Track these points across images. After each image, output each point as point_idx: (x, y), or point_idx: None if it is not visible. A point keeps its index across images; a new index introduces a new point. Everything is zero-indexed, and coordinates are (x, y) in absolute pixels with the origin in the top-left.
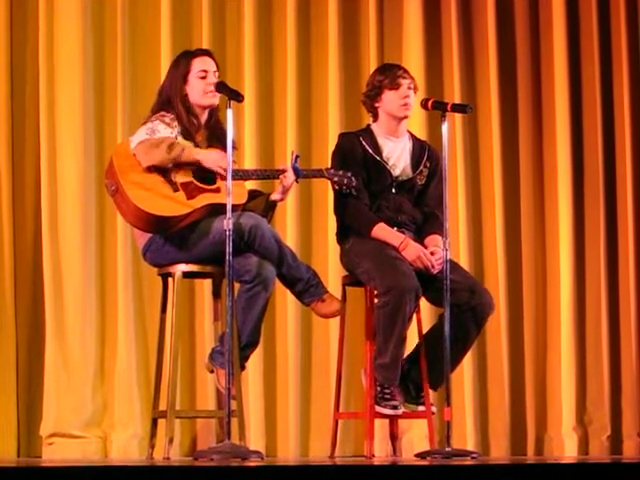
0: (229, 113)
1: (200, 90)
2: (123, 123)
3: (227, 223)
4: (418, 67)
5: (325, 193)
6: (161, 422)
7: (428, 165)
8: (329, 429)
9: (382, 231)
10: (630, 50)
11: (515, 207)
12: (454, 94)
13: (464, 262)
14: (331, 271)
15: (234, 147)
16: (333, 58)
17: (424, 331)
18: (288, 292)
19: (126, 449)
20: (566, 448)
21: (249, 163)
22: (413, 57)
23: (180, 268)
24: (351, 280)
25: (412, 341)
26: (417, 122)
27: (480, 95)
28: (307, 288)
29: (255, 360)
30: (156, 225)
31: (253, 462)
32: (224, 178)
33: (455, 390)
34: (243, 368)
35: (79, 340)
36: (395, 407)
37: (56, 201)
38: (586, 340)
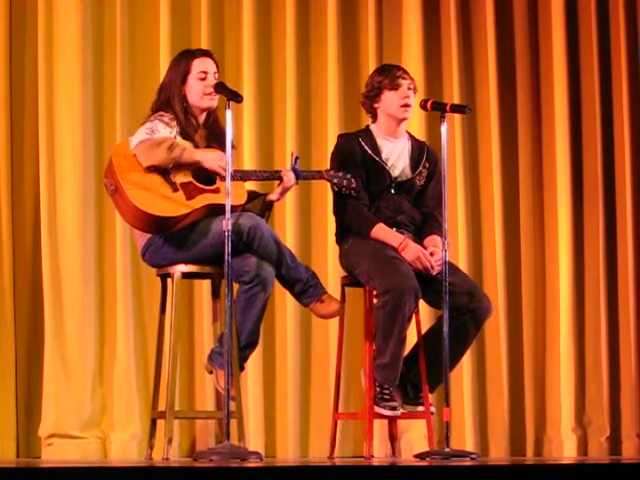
0: (228, 114)
1: (199, 92)
2: (122, 123)
3: (226, 224)
4: (417, 68)
5: (324, 194)
6: (160, 423)
7: (427, 166)
8: (328, 430)
9: (381, 232)
10: (629, 51)
11: (514, 208)
12: (453, 95)
13: (463, 263)
14: (330, 272)
15: (233, 146)
16: (332, 58)
17: (423, 332)
18: (287, 293)
19: (125, 450)
20: (565, 449)
21: (248, 164)
22: (412, 58)
23: (179, 269)
24: (350, 281)
25: (411, 341)
26: (416, 123)
27: (479, 96)
28: (306, 289)
29: (254, 361)
30: (155, 225)
31: (252, 463)
32: (224, 179)
33: (454, 391)
34: (242, 369)
35: (78, 341)
36: (394, 408)
37: (55, 201)
38: (585, 341)
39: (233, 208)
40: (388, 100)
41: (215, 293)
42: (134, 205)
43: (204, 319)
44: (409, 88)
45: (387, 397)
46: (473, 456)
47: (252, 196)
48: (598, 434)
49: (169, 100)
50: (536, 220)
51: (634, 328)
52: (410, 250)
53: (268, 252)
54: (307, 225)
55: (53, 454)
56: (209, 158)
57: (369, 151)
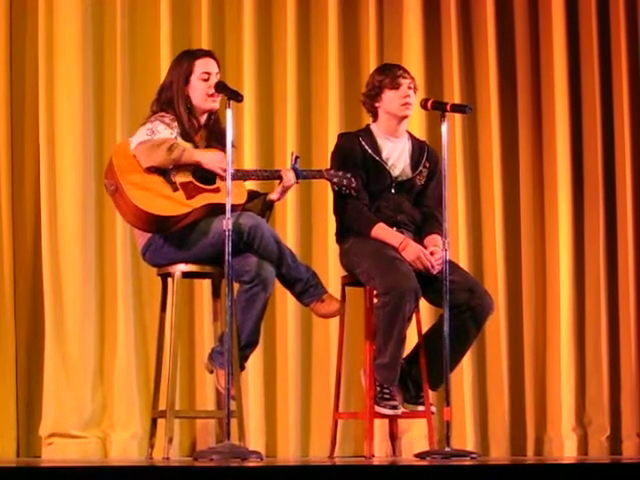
0: (228, 113)
1: (202, 93)
2: (122, 123)
3: (226, 223)
4: (418, 67)
5: (325, 193)
6: (160, 422)
7: (427, 165)
8: (329, 429)
9: (382, 231)
10: (630, 51)
11: (515, 207)
12: (454, 94)
13: (463, 262)
14: (331, 271)
15: (233, 145)
16: (333, 58)
17: (423, 331)
18: (288, 292)
19: (125, 449)
20: (565, 448)
21: (249, 163)
22: (413, 57)
23: (179, 268)
24: (351, 280)
25: (412, 341)
26: (416, 122)
27: (480, 95)
28: (306, 288)
29: (255, 360)
30: (155, 225)
31: (252, 462)
32: (224, 178)
33: (455, 390)
34: (243, 368)
35: (78, 340)
36: (394, 407)
37: (55, 201)
38: (585, 340)
39: (233, 207)
40: (389, 99)
41: (215, 293)
42: (134, 205)
43: (204, 319)
44: (409, 87)
45: (387, 396)
46: (473, 455)
47: (252, 196)
48: (598, 433)
49: (172, 101)
50: (536, 219)
51: (634, 327)
52: (410, 250)
53: (269, 252)
54: (308, 225)
55: (53, 453)
56: (209, 159)
57: (369, 150)
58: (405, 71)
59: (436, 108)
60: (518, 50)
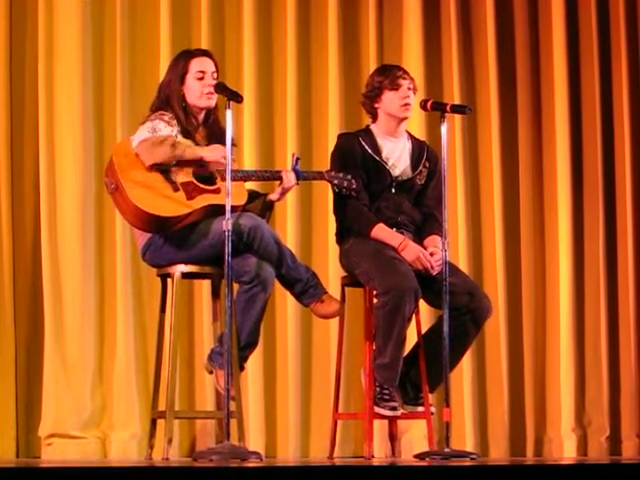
0: (228, 114)
1: (197, 91)
2: (122, 122)
3: (226, 224)
4: (417, 68)
5: (325, 194)
6: (160, 423)
7: (427, 165)
8: (329, 430)
9: (381, 232)
10: (629, 50)
11: (514, 208)
12: (453, 95)
13: (463, 263)
14: (331, 272)
15: (233, 144)
16: (333, 59)
17: (423, 332)
18: (288, 293)
19: (125, 449)
20: (565, 449)
21: (249, 164)
22: (413, 58)
23: (179, 269)
24: (350, 281)
25: (411, 341)
26: (416, 123)
27: (479, 96)
28: (306, 289)
29: (255, 361)
30: (155, 225)
31: (252, 463)
32: (224, 178)
33: (454, 391)
34: (242, 369)
35: (78, 340)
36: (394, 408)
37: (55, 200)
38: (585, 341)
39: (233, 208)
40: (388, 100)
41: (215, 293)
42: (134, 204)
43: (204, 319)
44: (409, 88)
45: (387, 397)
46: (473, 456)
47: (253, 196)
48: (598, 434)
49: (168, 99)
50: (536, 220)
51: (634, 328)
52: (410, 250)
53: (268, 252)
54: (308, 225)
55: (53, 454)
56: (212, 151)
57: (369, 151)
58: (405, 72)
59: (436, 109)
60: (518, 50)
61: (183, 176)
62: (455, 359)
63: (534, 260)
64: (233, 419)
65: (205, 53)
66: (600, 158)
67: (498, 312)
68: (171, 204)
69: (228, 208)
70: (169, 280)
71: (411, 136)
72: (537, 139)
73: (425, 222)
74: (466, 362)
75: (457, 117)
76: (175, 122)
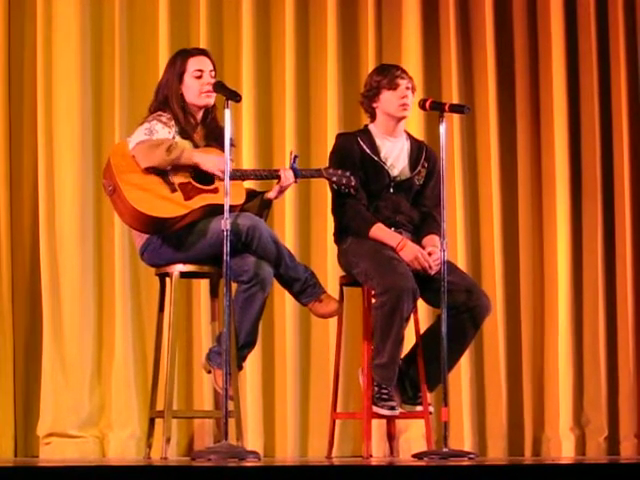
0: (227, 113)
1: (195, 90)
2: (121, 123)
3: (225, 223)
4: (416, 67)
5: (324, 193)
6: (158, 422)
7: (426, 165)
8: (327, 429)
9: (380, 231)
10: (628, 50)
11: (513, 208)
12: (452, 94)
13: (461, 262)
14: (329, 271)
15: (232, 144)
16: (332, 58)
17: (422, 331)
18: (286, 292)
19: (123, 449)
20: (563, 449)
21: (247, 163)
22: (411, 57)
23: (178, 268)
24: (349, 280)
25: (410, 341)
26: (415, 122)
27: (478, 96)
28: (305, 288)
29: (254, 360)
30: (153, 226)
31: (250, 462)
32: (223, 179)
33: (452, 390)
34: (240, 368)
35: (76, 340)
36: (392, 407)
37: (53, 201)
38: (583, 341)
39: (232, 208)
40: (387, 100)
41: (213, 293)
42: (132, 206)
43: (202, 319)
44: (407, 88)
45: (385, 397)
46: (471, 456)
47: (251, 195)
48: (596, 434)
49: (167, 99)
50: (534, 220)
51: (632, 328)
52: (408, 250)
53: (267, 252)
54: (306, 225)
55: (51, 453)
56: (208, 160)
57: (368, 150)
58: (403, 72)
59: (434, 108)
60: (517, 51)
61: (181, 177)
62: (454, 359)
63: (532, 260)
64: (231, 419)
65: (202, 52)
66: (598, 158)
67: (496, 312)
68: (169, 205)
69: (226, 208)
70: (167, 279)
71: (410, 136)
72: (536, 139)
73: (423, 222)
74: (464, 362)
75: (456, 117)
76: (173, 123)
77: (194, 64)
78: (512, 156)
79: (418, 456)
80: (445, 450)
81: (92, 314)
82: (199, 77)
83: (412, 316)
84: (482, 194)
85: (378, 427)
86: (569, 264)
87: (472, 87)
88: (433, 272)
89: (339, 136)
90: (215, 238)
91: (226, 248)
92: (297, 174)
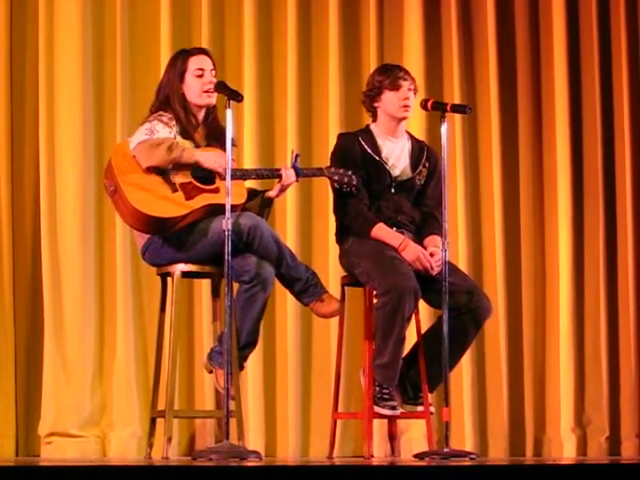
0: (228, 113)
1: (197, 89)
2: (122, 123)
3: (226, 223)
4: (418, 67)
5: (325, 193)
6: (160, 422)
7: (427, 165)
8: (328, 429)
9: (381, 231)
10: (630, 49)
11: (514, 208)
12: (454, 95)
13: (463, 263)
14: (331, 271)
15: (233, 144)
16: (333, 57)
17: (423, 331)
18: (288, 292)
19: (124, 448)
20: (565, 449)
21: (249, 162)
22: (413, 57)
23: (179, 268)
24: (350, 280)
25: (411, 341)
26: (417, 122)
27: (480, 96)
28: (306, 288)
29: (255, 360)
30: (154, 226)
31: (251, 462)
32: (224, 178)
33: (454, 391)
34: (242, 368)
35: (78, 339)
36: (394, 407)
37: (55, 201)
38: (585, 341)
39: (233, 207)
40: (388, 100)
41: (215, 292)
42: (133, 206)
43: (204, 318)
44: (409, 89)
45: (386, 397)
46: (472, 456)
47: (252, 194)
48: (597, 434)
49: (168, 99)
50: (536, 220)
51: (634, 328)
52: (410, 250)
53: (268, 252)
54: (308, 224)
55: (52, 453)
56: (209, 158)
57: (369, 150)
58: (406, 72)
59: (436, 108)
60: (518, 50)
61: (182, 176)
62: (455, 359)
63: (534, 260)
64: (232, 418)
65: (203, 51)
66: (600, 157)
67: (498, 312)
68: (170, 205)
69: (228, 207)
70: (169, 279)
71: (411, 136)
72: (537, 139)
73: (425, 222)
74: (466, 362)
75: (457, 117)
76: (174, 123)
77: (195, 63)
78: (513, 156)
79: (419, 456)
80: (446, 450)
81: (93, 314)
82: (200, 76)
83: (413, 316)
84: (483, 194)
85: (379, 427)
86: (570, 264)
87: (474, 87)
88: (435, 272)
89: (340, 136)
90: (216, 238)
91: (227, 248)
92: (298, 173)
